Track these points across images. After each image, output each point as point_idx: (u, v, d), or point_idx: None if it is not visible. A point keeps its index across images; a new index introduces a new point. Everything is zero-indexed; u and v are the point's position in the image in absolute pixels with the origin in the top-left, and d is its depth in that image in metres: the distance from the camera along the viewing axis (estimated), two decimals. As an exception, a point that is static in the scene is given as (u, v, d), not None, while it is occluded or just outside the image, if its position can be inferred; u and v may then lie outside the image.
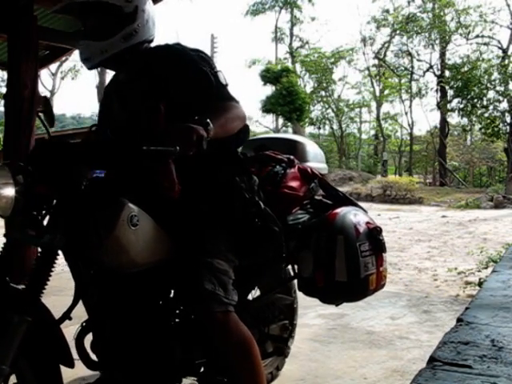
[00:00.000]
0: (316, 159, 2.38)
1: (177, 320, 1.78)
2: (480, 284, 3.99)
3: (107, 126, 1.81)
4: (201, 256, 1.60)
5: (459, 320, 1.60)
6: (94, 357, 1.67)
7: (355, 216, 1.94)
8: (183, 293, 1.63)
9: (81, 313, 1.65)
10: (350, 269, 1.83)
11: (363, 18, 49.69)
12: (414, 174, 26.39)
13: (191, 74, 1.64)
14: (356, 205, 2.10)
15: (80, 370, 1.70)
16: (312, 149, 2.42)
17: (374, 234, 1.92)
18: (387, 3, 28.00)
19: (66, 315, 1.58)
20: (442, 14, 23.28)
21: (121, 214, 1.48)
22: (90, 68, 1.78)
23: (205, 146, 1.40)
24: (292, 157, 2.10)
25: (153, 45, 1.80)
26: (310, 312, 3.56)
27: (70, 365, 1.56)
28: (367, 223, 1.95)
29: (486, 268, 4.76)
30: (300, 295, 2.12)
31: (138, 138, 1.41)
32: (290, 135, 2.92)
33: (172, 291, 1.76)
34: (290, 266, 2.17)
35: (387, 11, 26.88)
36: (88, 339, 1.67)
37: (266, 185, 1.90)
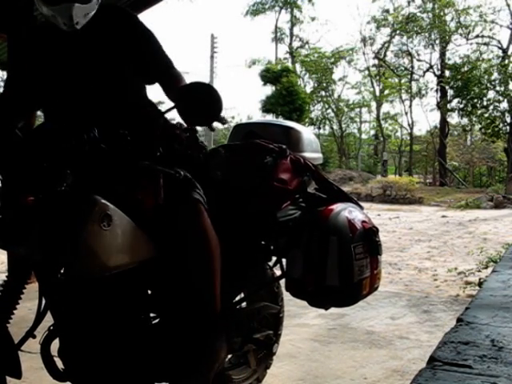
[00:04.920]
0: (311, 148, 2.17)
1: (153, 322, 1.67)
2: (480, 284, 3.99)
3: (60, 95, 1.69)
4: None
5: (459, 320, 1.60)
6: (60, 365, 1.55)
7: (350, 214, 1.80)
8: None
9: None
10: (342, 273, 1.70)
11: (363, 17, 49.57)
12: (414, 174, 26.34)
13: (152, 40, 1.78)
14: (352, 200, 1.96)
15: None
16: (307, 137, 2.19)
17: (370, 235, 1.78)
18: (387, 3, 27.91)
19: (30, 333, 1.47)
20: (441, 14, 23.27)
21: (91, 213, 1.32)
22: (73, 32, 1.65)
23: None
24: (284, 146, 1.91)
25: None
26: (310, 312, 3.55)
27: (18, 376, 1.44)
28: (363, 222, 1.80)
29: (486, 268, 4.75)
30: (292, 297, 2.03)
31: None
32: (284, 121, 2.65)
33: (148, 291, 1.66)
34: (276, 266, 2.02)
35: (387, 11, 26.84)
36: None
37: (255, 177, 1.79)
